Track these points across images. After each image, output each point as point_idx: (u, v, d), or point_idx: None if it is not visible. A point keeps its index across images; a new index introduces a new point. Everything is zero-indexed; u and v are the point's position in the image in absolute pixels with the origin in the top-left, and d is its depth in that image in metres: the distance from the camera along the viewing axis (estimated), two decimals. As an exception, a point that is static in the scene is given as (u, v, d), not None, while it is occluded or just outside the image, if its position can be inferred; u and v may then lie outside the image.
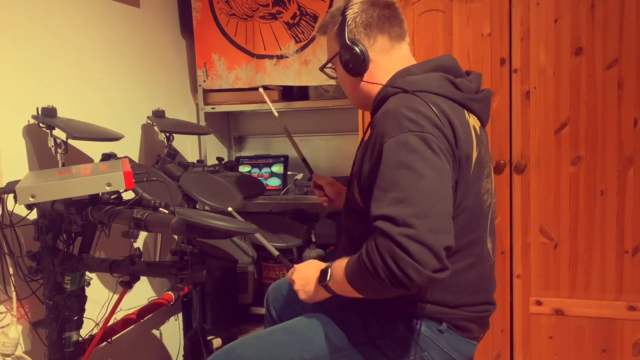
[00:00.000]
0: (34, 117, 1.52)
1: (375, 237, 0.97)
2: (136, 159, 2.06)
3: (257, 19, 2.34)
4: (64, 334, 1.42)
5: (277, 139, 2.78)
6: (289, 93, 2.47)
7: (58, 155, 1.54)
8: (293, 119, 2.70)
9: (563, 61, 1.73)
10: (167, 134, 2.01)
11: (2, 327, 1.46)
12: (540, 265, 1.80)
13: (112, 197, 1.38)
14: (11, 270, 1.43)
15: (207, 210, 1.73)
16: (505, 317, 1.85)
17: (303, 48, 2.30)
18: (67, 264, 1.39)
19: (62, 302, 1.40)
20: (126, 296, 1.46)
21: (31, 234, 1.42)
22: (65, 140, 1.53)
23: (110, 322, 1.58)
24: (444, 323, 1.15)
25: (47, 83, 1.64)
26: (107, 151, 1.66)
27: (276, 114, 1.58)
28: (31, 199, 1.16)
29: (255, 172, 2.58)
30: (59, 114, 1.56)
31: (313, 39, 2.28)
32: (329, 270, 1.12)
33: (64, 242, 1.41)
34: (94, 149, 1.79)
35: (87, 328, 1.52)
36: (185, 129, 2.22)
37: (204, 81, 2.43)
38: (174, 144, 2.03)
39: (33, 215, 1.42)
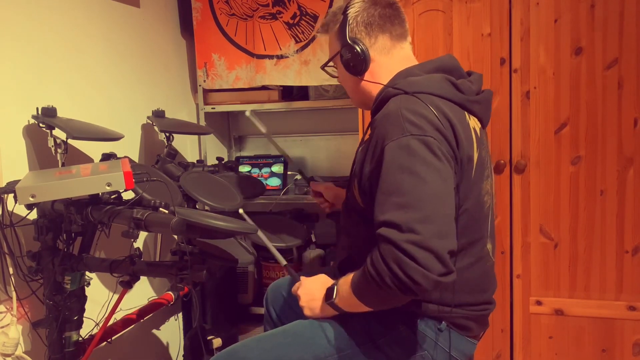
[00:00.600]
0: (34, 117, 1.52)
1: (379, 245, 0.97)
2: (136, 159, 2.06)
3: (257, 19, 2.34)
4: (64, 334, 1.42)
5: (277, 139, 2.75)
6: (289, 93, 2.47)
7: (58, 155, 1.54)
8: (293, 119, 2.70)
9: (563, 61, 1.73)
10: (167, 134, 2.01)
11: (2, 327, 1.46)
12: (540, 265, 1.80)
13: (112, 197, 1.38)
14: (11, 270, 1.43)
15: (207, 210, 1.73)
16: (505, 317, 1.85)
17: (303, 48, 2.30)
18: (67, 264, 1.39)
19: (62, 302, 1.40)
20: (126, 296, 1.46)
21: (31, 234, 1.42)
22: (65, 140, 1.53)
23: (110, 322, 1.58)
24: (443, 322, 1.15)
25: (47, 83, 1.64)
26: (107, 151, 1.66)
27: (263, 130, 1.59)
28: (31, 199, 1.15)
29: (255, 172, 2.58)
30: (59, 114, 1.56)
31: (313, 39, 2.28)
32: (335, 287, 1.12)
33: (64, 242, 1.41)
34: (94, 149, 1.79)
35: (87, 328, 1.52)
36: (185, 129, 2.22)
37: (204, 81, 2.43)
38: (174, 144, 2.03)
39: (33, 215, 1.42)
